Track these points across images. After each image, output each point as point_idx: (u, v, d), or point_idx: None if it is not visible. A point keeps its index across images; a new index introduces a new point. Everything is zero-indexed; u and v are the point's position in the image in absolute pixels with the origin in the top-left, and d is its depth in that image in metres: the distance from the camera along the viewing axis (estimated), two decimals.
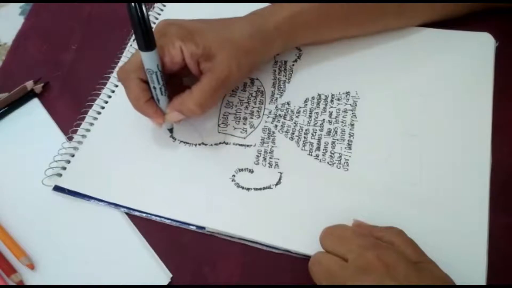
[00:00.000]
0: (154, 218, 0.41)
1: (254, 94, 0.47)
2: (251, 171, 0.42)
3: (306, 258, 0.36)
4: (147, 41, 0.36)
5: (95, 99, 0.48)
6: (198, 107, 0.39)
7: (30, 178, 0.44)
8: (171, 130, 0.45)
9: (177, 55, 0.39)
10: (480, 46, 0.46)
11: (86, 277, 0.39)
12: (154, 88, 0.39)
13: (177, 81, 0.43)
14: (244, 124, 0.45)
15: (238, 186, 0.41)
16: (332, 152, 0.42)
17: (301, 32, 0.44)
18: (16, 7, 0.60)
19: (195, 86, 0.39)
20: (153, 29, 0.37)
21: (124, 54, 0.51)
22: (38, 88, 0.50)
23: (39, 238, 0.41)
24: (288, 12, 0.43)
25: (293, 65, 0.48)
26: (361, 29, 0.47)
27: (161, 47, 0.38)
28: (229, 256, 0.39)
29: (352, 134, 0.43)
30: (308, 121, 0.44)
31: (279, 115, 0.45)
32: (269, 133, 0.44)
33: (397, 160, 0.41)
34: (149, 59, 0.37)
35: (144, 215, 0.41)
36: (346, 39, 0.48)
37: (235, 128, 0.45)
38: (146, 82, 0.39)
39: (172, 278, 0.38)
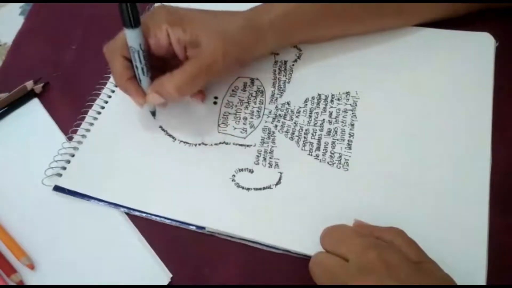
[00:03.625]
0: (154, 218, 0.41)
1: (254, 94, 0.47)
2: (251, 171, 0.42)
3: (306, 258, 0.36)
4: (130, 18, 0.37)
5: (95, 99, 0.48)
6: (176, 91, 0.39)
7: (30, 178, 0.44)
8: (153, 113, 0.45)
9: (163, 38, 0.40)
10: (480, 46, 0.46)
11: (86, 277, 0.39)
12: (137, 67, 0.40)
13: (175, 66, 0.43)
14: (244, 124, 0.45)
15: (238, 186, 0.41)
16: (332, 152, 0.42)
17: (296, 29, 0.45)
18: (16, 7, 0.60)
19: (177, 70, 0.40)
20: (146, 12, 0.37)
21: None
22: (38, 88, 0.50)
23: (39, 238, 0.41)
24: (284, 9, 0.43)
25: (293, 65, 0.48)
26: (359, 28, 0.47)
27: (147, 28, 0.39)
28: (229, 256, 0.39)
29: (352, 134, 0.43)
30: (308, 121, 0.44)
31: (279, 115, 0.45)
32: (269, 133, 0.44)
33: (397, 160, 0.41)
34: (132, 37, 0.38)
35: (144, 215, 0.41)
36: (345, 38, 0.48)
37: (235, 128, 0.45)
38: (130, 60, 0.40)
39: (172, 278, 0.38)
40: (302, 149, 0.43)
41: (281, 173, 0.42)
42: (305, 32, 0.46)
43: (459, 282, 0.31)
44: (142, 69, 0.40)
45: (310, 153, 0.42)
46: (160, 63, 0.42)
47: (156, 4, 0.54)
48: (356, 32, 0.48)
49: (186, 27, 0.39)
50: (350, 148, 0.42)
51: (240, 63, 0.44)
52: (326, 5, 0.44)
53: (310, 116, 0.45)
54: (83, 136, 0.46)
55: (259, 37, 0.43)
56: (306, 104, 0.45)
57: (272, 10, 0.43)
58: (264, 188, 0.41)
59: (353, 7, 0.44)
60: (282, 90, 0.47)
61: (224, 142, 0.44)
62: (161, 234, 0.40)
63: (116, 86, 0.48)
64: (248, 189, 0.41)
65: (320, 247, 0.35)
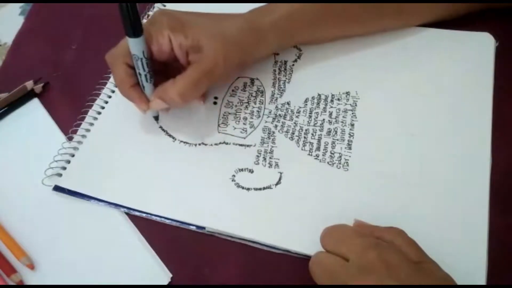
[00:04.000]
0: (154, 218, 0.41)
1: (254, 94, 0.47)
2: (251, 171, 0.42)
3: (306, 258, 0.36)
4: (133, 28, 0.37)
5: (95, 99, 0.48)
6: (179, 97, 0.39)
7: (30, 178, 0.44)
8: (156, 118, 0.45)
9: (165, 44, 0.40)
10: (480, 46, 0.46)
11: (86, 277, 0.39)
12: (140, 74, 0.40)
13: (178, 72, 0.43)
14: (244, 124, 0.45)
15: (238, 186, 0.41)
16: (332, 152, 0.42)
17: (298, 30, 0.45)
18: (16, 7, 0.60)
19: (179, 76, 0.40)
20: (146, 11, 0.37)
21: None
22: (38, 88, 0.50)
23: (39, 238, 0.41)
24: (285, 10, 0.43)
25: (293, 65, 0.48)
26: (359, 29, 0.47)
27: (150, 35, 0.39)
28: (229, 256, 0.39)
29: (352, 134, 0.43)
30: (308, 121, 0.44)
31: (279, 115, 0.45)
32: (269, 133, 0.44)
33: (397, 160, 0.41)
34: (135, 45, 0.38)
35: (144, 215, 0.41)
36: (345, 38, 0.48)
37: (235, 128, 0.45)
38: (133, 67, 0.40)
39: (172, 278, 0.38)
40: (302, 149, 0.43)
41: (281, 173, 0.42)
42: (307, 33, 0.46)
43: (459, 282, 0.31)
44: (146, 76, 0.40)
45: (310, 153, 0.42)
46: (161, 67, 0.42)
47: (156, 4, 0.54)
48: (357, 33, 0.48)
49: (188, 32, 0.39)
50: (350, 148, 0.42)
51: (242, 65, 0.44)
52: (326, 5, 0.44)
53: (310, 116, 0.45)
54: (83, 136, 0.46)
55: (260, 38, 0.43)
56: (306, 104, 0.45)
57: (276, 10, 0.43)
58: (264, 188, 0.41)
59: (353, 7, 0.44)
60: (282, 90, 0.47)
61: (224, 142, 0.44)
62: (161, 234, 0.40)
63: (116, 87, 0.49)
64: (248, 189, 0.41)
65: (320, 247, 0.35)
